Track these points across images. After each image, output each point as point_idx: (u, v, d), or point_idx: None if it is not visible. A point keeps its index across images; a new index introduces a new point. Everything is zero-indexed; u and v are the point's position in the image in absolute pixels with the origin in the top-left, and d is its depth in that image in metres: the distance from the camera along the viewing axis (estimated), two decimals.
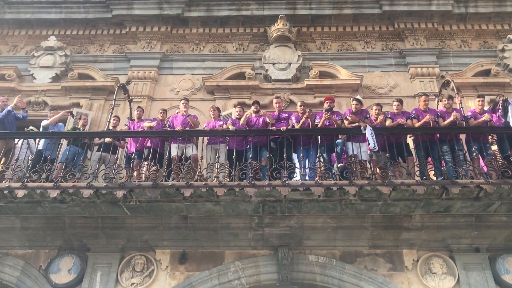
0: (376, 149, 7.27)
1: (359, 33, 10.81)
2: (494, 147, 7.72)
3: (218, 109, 8.59)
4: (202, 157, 7.50)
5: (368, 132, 7.28)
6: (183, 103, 8.43)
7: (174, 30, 10.98)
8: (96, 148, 8.25)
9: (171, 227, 7.63)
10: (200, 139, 8.00)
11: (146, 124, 8.12)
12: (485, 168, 7.27)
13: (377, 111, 7.93)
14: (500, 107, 8.07)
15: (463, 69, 10.05)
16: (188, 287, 7.45)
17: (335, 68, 10.15)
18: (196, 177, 7.14)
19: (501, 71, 10.07)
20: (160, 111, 8.59)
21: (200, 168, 7.26)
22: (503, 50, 10.30)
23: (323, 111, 7.94)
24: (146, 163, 7.58)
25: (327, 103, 8.03)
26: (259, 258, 7.70)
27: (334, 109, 8.21)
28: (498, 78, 9.75)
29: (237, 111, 8.36)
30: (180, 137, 7.70)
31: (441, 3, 10.53)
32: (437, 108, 8.55)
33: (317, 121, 7.87)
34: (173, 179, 7.29)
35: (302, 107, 8.07)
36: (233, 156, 7.36)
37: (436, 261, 7.58)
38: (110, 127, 8.49)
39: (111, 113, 8.72)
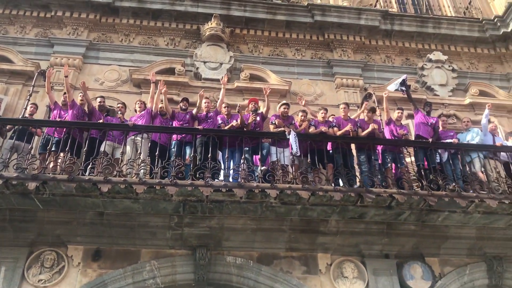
0: (298, 154, 7.43)
1: (291, 40, 11.01)
2: (409, 159, 8.16)
3: (144, 103, 8.37)
4: (122, 152, 7.27)
5: (292, 138, 7.43)
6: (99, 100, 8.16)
7: (103, 18, 10.57)
8: (8, 135, 7.74)
9: (85, 222, 7.33)
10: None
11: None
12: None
13: (302, 117, 8.12)
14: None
15: (385, 83, 10.52)
16: (100, 285, 7.19)
17: (266, 72, 10.26)
18: (115, 172, 6.91)
19: (419, 88, 10.69)
20: (80, 94, 8.19)
21: (120, 163, 7.05)
22: (422, 68, 10.94)
23: (250, 112, 8.00)
24: (62, 154, 7.21)
25: (252, 104, 8.10)
26: (176, 258, 7.59)
27: (259, 111, 8.29)
28: (416, 94, 10.31)
29: (161, 107, 8.20)
30: (102, 129, 7.40)
31: (369, 18, 10.98)
32: (358, 119, 8.89)
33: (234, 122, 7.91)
34: (91, 173, 7.00)
35: (226, 108, 8.13)
36: (156, 153, 7.21)
37: (348, 266, 7.88)
38: (27, 115, 8.00)
39: (28, 99, 8.23)
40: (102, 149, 7.38)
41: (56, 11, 10.38)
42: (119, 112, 8.08)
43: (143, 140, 7.43)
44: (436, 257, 8.19)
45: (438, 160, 8.07)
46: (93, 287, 7.17)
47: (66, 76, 8.05)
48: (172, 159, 7.19)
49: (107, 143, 7.50)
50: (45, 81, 8.65)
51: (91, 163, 7.08)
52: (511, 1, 11.47)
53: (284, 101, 8.69)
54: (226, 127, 7.81)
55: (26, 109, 8.06)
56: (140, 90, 9.73)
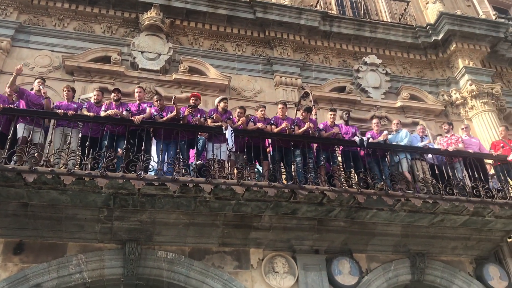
0: (233, 149, 7.43)
1: (232, 35, 10.97)
2: (340, 158, 8.38)
3: (73, 89, 8.00)
4: (51, 141, 6.94)
5: (229, 133, 7.41)
6: (38, 82, 7.68)
7: (36, 0, 10.03)
8: None
9: (7, 214, 6.95)
10: (52, 122, 7.39)
11: None
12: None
13: (240, 113, 8.12)
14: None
15: (322, 84, 10.77)
16: (22, 280, 6.85)
17: (205, 66, 10.17)
18: (42, 162, 6.58)
19: (354, 89, 10.99)
20: (8, 88, 7.74)
21: (48, 153, 6.73)
22: (358, 71, 11.27)
23: (187, 106, 7.89)
24: None
25: (193, 99, 7.99)
26: (105, 252, 7.38)
27: (199, 107, 8.19)
28: (351, 96, 10.63)
29: (95, 95, 7.90)
30: (30, 116, 7.03)
31: (309, 18, 11.15)
32: (295, 117, 9.02)
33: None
34: (15, 163, 6.62)
35: (158, 101, 8.01)
36: (87, 144, 6.95)
37: (280, 261, 8.00)
38: None
39: None
40: (20, 133, 6.99)
41: None
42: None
43: (73, 129, 7.12)
44: (364, 253, 8.50)
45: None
46: (14, 282, 6.82)
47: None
48: (103, 150, 6.95)
49: (25, 126, 7.06)
50: None
51: (16, 152, 6.70)
52: (442, 10, 12.07)
53: (223, 96, 8.65)
54: (162, 119, 7.64)
55: None
56: (73, 78, 9.33)
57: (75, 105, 7.64)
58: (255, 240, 7.92)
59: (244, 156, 7.55)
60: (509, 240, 9.16)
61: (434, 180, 8.19)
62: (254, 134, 7.84)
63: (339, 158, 8.27)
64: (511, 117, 11.47)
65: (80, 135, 7.36)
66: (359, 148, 8.19)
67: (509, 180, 8.73)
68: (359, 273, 8.21)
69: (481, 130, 10.69)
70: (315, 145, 8.21)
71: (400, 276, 8.57)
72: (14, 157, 6.69)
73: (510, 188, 8.53)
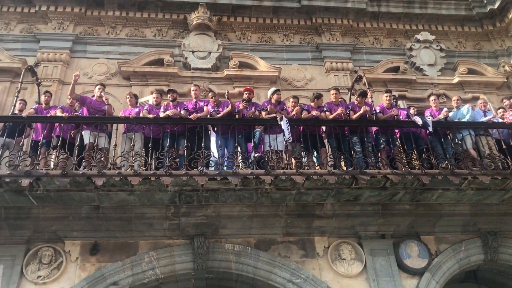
0: (291, 140, 7.44)
1: (279, 25, 10.97)
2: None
3: (135, 96, 8.32)
4: (115, 145, 7.24)
5: (284, 124, 7.43)
6: (99, 88, 8.04)
7: (89, 11, 10.46)
8: None
9: (81, 217, 7.32)
10: (115, 127, 7.71)
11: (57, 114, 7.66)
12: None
13: (293, 103, 8.12)
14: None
15: (375, 65, 10.57)
16: (100, 279, 7.20)
17: (255, 59, 10.23)
18: (109, 165, 6.89)
19: (409, 68, 10.70)
20: (68, 97, 8.11)
21: (114, 157, 7.03)
22: (410, 49, 10.97)
23: (241, 100, 7.98)
24: (54, 151, 7.17)
25: (246, 93, 8.07)
26: (174, 247, 7.61)
27: (252, 100, 8.27)
28: (405, 75, 10.35)
29: (154, 97, 8.15)
30: (93, 123, 7.37)
31: (356, 1, 10.97)
32: (349, 102, 8.91)
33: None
34: (84, 168, 6.97)
35: (213, 98, 8.12)
36: (150, 144, 7.19)
37: (346, 248, 7.95)
38: (16, 111, 7.93)
39: (17, 96, 8.15)
40: (86, 140, 7.34)
41: (40, 5, 10.26)
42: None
43: (136, 133, 7.39)
44: (432, 235, 8.28)
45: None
46: (92, 281, 7.17)
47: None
48: (165, 150, 7.17)
49: (91, 133, 7.40)
50: (32, 77, 8.59)
51: (84, 157, 7.05)
52: None
53: (276, 88, 8.66)
54: (218, 115, 7.78)
55: (15, 106, 7.98)
56: (130, 83, 9.68)
57: (137, 110, 7.91)
58: (319, 228, 7.92)
59: (301, 145, 7.55)
60: None
61: (501, 155, 7.84)
62: (309, 123, 7.83)
63: (399, 141, 8.08)
64: None
65: (143, 136, 7.61)
66: (419, 129, 7.96)
67: None
68: (428, 256, 8.01)
69: None
70: (373, 128, 8.07)
71: (472, 256, 8.28)
72: (83, 163, 7.04)
73: None
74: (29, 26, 10.30)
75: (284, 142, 7.55)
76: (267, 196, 7.42)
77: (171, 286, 7.80)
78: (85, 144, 7.30)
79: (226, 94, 7.81)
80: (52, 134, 7.54)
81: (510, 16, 11.25)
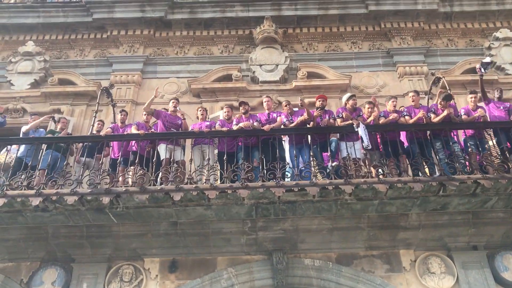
0: (370, 147, 7.09)
1: (346, 33, 10.69)
2: (491, 143, 7.61)
3: (206, 110, 8.32)
4: (191, 159, 7.21)
5: (362, 130, 7.11)
6: (173, 102, 8.12)
7: (157, 33, 10.71)
8: (79, 153, 7.89)
9: (160, 234, 7.31)
10: (188, 141, 7.72)
11: (132, 131, 7.79)
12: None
13: (369, 109, 7.77)
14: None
15: (451, 67, 10.00)
16: None
17: (323, 68, 10.00)
18: (186, 180, 6.85)
19: (487, 72, 9.97)
20: (144, 113, 8.26)
21: (190, 171, 6.99)
22: (489, 48, 10.30)
23: (315, 108, 7.74)
24: (132, 167, 7.25)
25: (319, 101, 7.82)
26: (252, 263, 7.42)
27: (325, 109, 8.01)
28: (487, 75, 9.64)
29: (225, 112, 8.10)
30: (169, 139, 7.39)
31: (426, 2, 10.49)
32: (428, 105, 8.43)
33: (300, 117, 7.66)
34: (162, 183, 6.97)
35: (287, 106, 7.93)
36: (224, 158, 7.09)
37: (434, 261, 7.40)
38: (94, 131, 8.14)
39: (95, 116, 8.39)
40: (162, 155, 7.35)
41: (111, 30, 10.63)
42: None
43: (210, 147, 7.33)
44: None
45: None
46: None
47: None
48: (240, 162, 7.05)
49: (168, 147, 7.40)
50: (108, 98, 8.82)
51: (160, 173, 7.06)
52: None
53: (351, 94, 8.32)
54: (292, 125, 7.58)
55: (93, 126, 8.20)
56: (200, 100, 9.73)
57: (208, 123, 7.89)
58: (404, 240, 7.44)
59: (381, 151, 7.17)
60: None
61: None
62: (388, 128, 7.44)
63: (490, 143, 7.49)
64: None
65: (216, 151, 7.54)
66: None
67: None
68: None
69: None
70: (461, 132, 7.54)
71: None
72: (159, 178, 7.05)
73: None
74: (101, 51, 10.69)
75: (362, 149, 7.20)
76: (347, 208, 7.08)
77: None
78: (161, 159, 7.32)
79: (300, 102, 7.60)
80: (128, 150, 7.64)
81: None
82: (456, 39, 10.71)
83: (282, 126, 7.62)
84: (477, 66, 8.21)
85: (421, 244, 7.46)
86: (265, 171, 6.89)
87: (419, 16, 10.56)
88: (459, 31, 10.77)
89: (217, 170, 7.15)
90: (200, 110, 8.23)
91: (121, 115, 8.35)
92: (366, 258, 7.45)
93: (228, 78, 9.95)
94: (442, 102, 7.63)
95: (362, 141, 7.09)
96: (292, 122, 7.60)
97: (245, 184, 6.69)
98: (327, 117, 7.62)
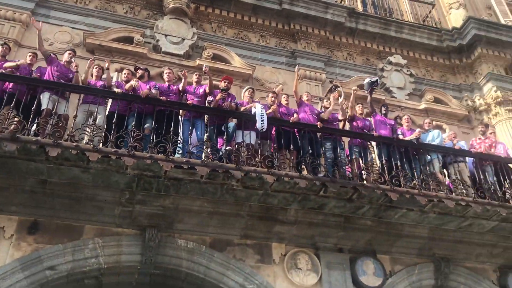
0: (264, 129, 7.07)
1: (256, 25, 10.67)
2: (373, 155, 8.11)
3: (102, 69, 7.67)
4: (76, 116, 6.56)
5: (258, 110, 7.08)
6: (69, 54, 7.38)
7: None
8: None
9: (24, 190, 6.55)
10: (74, 96, 7.03)
11: (8, 65, 6.90)
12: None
13: (272, 98, 7.82)
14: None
15: (346, 80, 10.49)
16: (35, 261, 6.44)
17: (230, 54, 9.86)
18: (66, 136, 6.21)
19: (378, 88, 10.68)
20: (30, 54, 7.36)
21: (72, 129, 6.36)
22: (382, 70, 11.02)
23: (220, 90, 7.58)
24: (4, 110, 6.38)
25: (224, 82, 7.68)
26: (123, 237, 7.01)
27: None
28: (376, 94, 10.26)
29: (125, 73, 7.56)
30: (57, 89, 6.67)
31: (336, 14, 10.88)
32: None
33: (210, 98, 7.50)
34: (38, 135, 6.24)
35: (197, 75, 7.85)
36: (113, 121, 6.59)
37: (303, 257, 7.66)
38: None
39: None
40: (44, 104, 6.63)
41: None
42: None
43: (100, 107, 6.75)
44: (388, 254, 8.19)
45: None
46: (27, 262, 6.40)
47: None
48: (130, 128, 6.60)
49: (52, 97, 6.66)
50: None
51: (36, 123, 6.34)
52: (469, 15, 11.88)
53: (249, 86, 8.34)
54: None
55: None
56: (94, 57, 8.91)
57: (102, 82, 7.28)
58: (279, 234, 7.59)
59: (274, 145, 7.25)
60: None
61: (468, 182, 7.92)
62: (285, 124, 7.53)
63: (373, 155, 7.98)
64: None
65: (107, 112, 6.99)
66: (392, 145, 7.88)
67: None
68: (383, 275, 7.88)
69: (505, 137, 10.43)
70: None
71: (424, 280, 8.26)
72: (36, 128, 6.32)
73: None
74: None
75: (258, 139, 7.19)
76: (232, 194, 7.02)
77: (112, 278, 7.16)
78: (42, 109, 6.57)
79: (204, 69, 7.41)
80: (4, 88, 6.72)
81: (477, 54, 11.61)
82: (355, 55, 11.29)
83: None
84: (364, 81, 8.76)
85: (293, 240, 7.67)
86: (155, 143, 6.54)
87: (327, 25, 10.91)
88: (359, 48, 11.36)
89: (103, 132, 6.59)
90: (96, 68, 7.57)
91: (3, 48, 7.36)
92: (240, 247, 7.47)
93: (129, 40, 9.31)
94: (329, 95, 8.03)
95: (257, 124, 7.05)
96: (198, 95, 7.38)
97: (132, 152, 6.28)
98: (229, 100, 7.48)
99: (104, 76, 7.47)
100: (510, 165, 8.71)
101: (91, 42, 8.99)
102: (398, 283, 8.00)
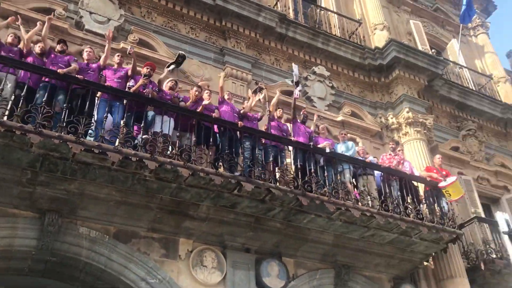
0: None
1: (188, 16, 10.46)
2: (288, 160, 8.23)
3: (19, 37, 7.12)
4: None
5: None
6: None
7: None
8: None
9: None
10: None
11: None
12: None
13: (196, 92, 7.69)
14: None
15: (271, 84, 10.59)
16: None
17: (157, 41, 9.57)
18: None
19: (301, 96, 10.84)
20: None
21: None
22: (306, 79, 11.26)
23: (142, 76, 7.30)
24: None
25: (147, 68, 7.42)
26: (20, 219, 6.55)
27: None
28: (298, 101, 10.44)
29: (39, 46, 7.05)
30: None
31: (268, 17, 10.95)
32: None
33: (130, 83, 7.22)
34: None
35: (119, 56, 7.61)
36: (22, 94, 6.12)
37: (209, 255, 7.61)
38: None
39: None
40: None
41: None
42: None
43: (9, 76, 6.23)
44: (293, 258, 8.37)
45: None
46: None
47: None
48: (39, 103, 6.16)
49: None
50: None
51: None
52: (391, 37, 12.51)
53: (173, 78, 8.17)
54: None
55: None
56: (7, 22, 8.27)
57: (16, 49, 6.75)
58: (187, 229, 7.47)
59: (194, 139, 7.12)
60: (425, 263, 9.53)
61: (375, 194, 8.29)
62: (202, 118, 7.42)
63: (288, 160, 8.10)
64: (437, 150, 12.02)
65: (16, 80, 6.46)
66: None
67: (435, 206, 9.07)
68: (286, 278, 8.05)
69: (411, 156, 11.07)
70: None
71: (324, 285, 8.55)
72: None
73: (437, 214, 8.86)
74: None
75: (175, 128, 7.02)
76: (143, 184, 6.80)
77: (2, 263, 6.67)
78: None
79: (129, 50, 7.14)
80: None
81: (394, 75, 12.22)
82: (282, 61, 11.43)
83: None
84: (293, 77, 9.08)
85: (202, 237, 7.60)
86: (66, 123, 6.16)
87: (258, 27, 10.95)
88: (286, 54, 11.53)
89: (9, 104, 6.09)
90: (11, 35, 7.01)
91: None
92: (146, 239, 7.27)
93: (49, 12, 8.70)
94: (253, 95, 8.39)
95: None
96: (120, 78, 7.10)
97: (39, 129, 5.86)
98: (150, 87, 7.24)
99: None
100: (414, 182, 9.28)
101: (6, 8, 8.28)
102: (300, 286, 8.20)
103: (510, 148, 14.31)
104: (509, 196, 12.66)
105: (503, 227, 8.63)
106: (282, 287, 7.90)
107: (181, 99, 7.84)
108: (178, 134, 7.03)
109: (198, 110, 7.47)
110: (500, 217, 8.83)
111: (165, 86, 7.99)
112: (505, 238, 8.59)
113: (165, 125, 6.97)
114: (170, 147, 6.73)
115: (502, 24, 43.12)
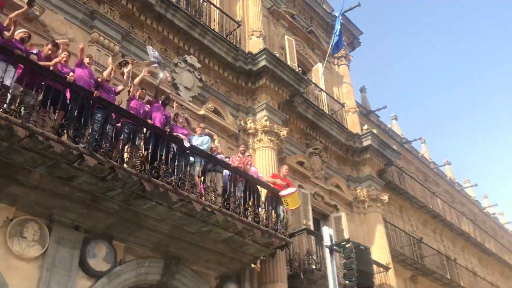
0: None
1: None
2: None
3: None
4: None
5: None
6: None
7: None
8: None
9: None
10: None
11: None
12: None
13: (49, 51, 6.99)
14: None
15: (139, 61, 10.14)
16: None
17: None
18: None
19: (168, 81, 10.55)
20: None
21: None
22: (176, 65, 11.02)
23: None
24: None
25: None
26: None
27: None
28: (163, 86, 10.15)
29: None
30: None
31: None
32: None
33: None
34: None
35: None
36: None
37: (32, 227, 6.99)
38: None
39: None
40: None
41: None
42: None
43: None
44: (124, 242, 8.11)
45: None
46: None
47: None
48: None
49: None
50: None
51: None
52: (265, 46, 12.88)
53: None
54: None
55: None
56: None
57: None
58: (13, 195, 6.76)
59: (40, 98, 6.46)
60: (253, 265, 9.92)
61: (220, 192, 8.39)
62: (48, 73, 6.73)
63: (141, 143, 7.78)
64: (284, 161, 12.67)
65: None
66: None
67: (273, 212, 9.51)
68: (113, 262, 7.76)
69: (261, 162, 11.50)
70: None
71: (150, 275, 8.41)
72: None
73: (272, 220, 9.28)
74: None
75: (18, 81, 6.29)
76: None
77: None
78: None
79: None
80: None
81: (261, 82, 12.57)
82: (155, 41, 11.01)
83: None
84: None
85: (28, 206, 6.97)
86: None
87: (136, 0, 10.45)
88: (161, 35, 11.13)
89: None
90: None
91: None
92: None
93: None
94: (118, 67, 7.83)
95: None
96: None
97: None
98: None
99: None
100: (258, 187, 9.61)
101: None
102: (125, 272, 7.96)
103: (346, 173, 15.69)
104: (337, 215, 13.89)
105: (326, 241, 9.35)
106: (106, 271, 7.58)
107: (35, 52, 7.07)
108: (22, 89, 6.29)
109: (51, 66, 6.78)
110: (326, 231, 9.55)
111: (16, 35, 7.13)
112: (326, 251, 9.30)
113: (7, 74, 6.20)
114: (8, 100, 5.99)
115: (362, 60, 47.73)
